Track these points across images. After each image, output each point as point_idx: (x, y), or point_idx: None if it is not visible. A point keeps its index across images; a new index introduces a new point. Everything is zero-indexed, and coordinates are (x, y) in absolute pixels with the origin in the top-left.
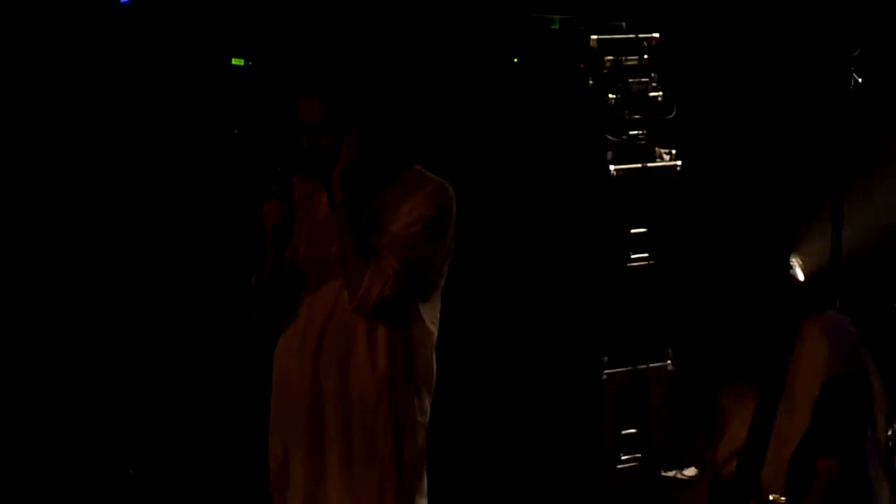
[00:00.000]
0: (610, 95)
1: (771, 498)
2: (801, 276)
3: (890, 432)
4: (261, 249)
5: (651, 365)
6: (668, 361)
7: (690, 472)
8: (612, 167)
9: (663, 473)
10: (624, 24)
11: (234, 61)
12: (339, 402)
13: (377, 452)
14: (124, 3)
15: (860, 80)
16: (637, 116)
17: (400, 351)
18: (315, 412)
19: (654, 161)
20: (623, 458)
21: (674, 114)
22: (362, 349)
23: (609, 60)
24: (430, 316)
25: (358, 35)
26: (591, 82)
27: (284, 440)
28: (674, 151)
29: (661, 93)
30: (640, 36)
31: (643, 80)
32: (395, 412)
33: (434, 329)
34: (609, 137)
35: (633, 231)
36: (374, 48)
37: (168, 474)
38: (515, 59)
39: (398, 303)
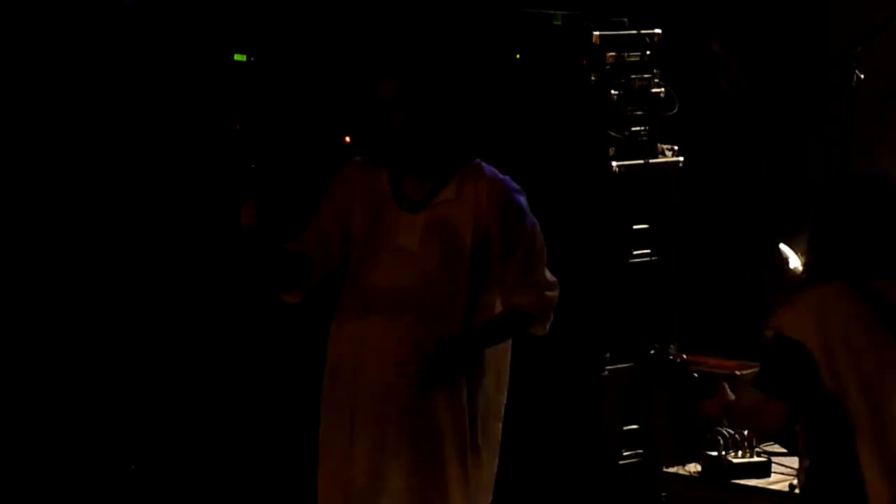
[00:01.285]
0: (612, 92)
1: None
2: (795, 265)
3: None
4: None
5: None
6: (670, 357)
7: (693, 467)
8: (614, 163)
9: (665, 469)
10: (626, 20)
11: (237, 57)
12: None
13: (446, 447)
14: (128, 0)
15: (862, 76)
16: (639, 113)
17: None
18: (377, 413)
19: (657, 157)
20: (625, 454)
21: (676, 110)
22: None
23: (611, 56)
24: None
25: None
26: (593, 78)
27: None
28: (676, 148)
29: (663, 89)
30: (643, 32)
31: (645, 76)
32: (469, 406)
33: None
34: (611, 134)
35: (635, 227)
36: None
37: (169, 470)
38: (518, 55)
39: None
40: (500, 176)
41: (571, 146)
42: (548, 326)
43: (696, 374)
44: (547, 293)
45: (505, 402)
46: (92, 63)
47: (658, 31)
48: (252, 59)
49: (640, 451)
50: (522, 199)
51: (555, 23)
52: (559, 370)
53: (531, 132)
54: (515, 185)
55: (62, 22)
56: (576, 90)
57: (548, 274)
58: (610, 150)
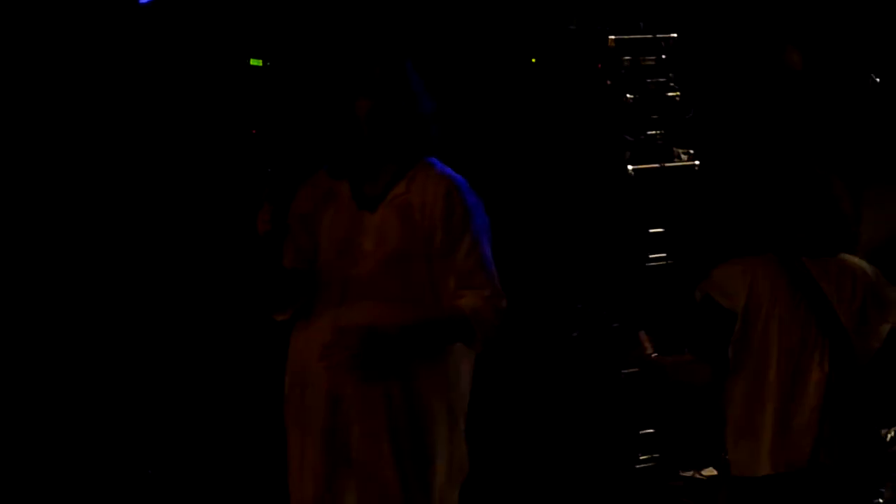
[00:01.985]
0: (628, 95)
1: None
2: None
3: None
4: (249, 250)
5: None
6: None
7: (708, 471)
8: (630, 167)
9: (681, 473)
10: (642, 24)
11: (253, 62)
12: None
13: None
14: (143, 3)
15: (878, 79)
16: (655, 116)
17: (437, 358)
18: (334, 415)
19: (672, 161)
20: (641, 458)
21: (692, 114)
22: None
23: (627, 60)
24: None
25: (369, 32)
26: (608, 82)
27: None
28: (692, 151)
29: (678, 92)
30: (658, 36)
31: (661, 79)
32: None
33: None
34: (627, 137)
35: (650, 231)
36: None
37: (184, 474)
38: (533, 59)
39: (504, 309)
40: (451, 172)
41: (587, 150)
42: (487, 342)
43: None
44: (489, 300)
45: (468, 397)
46: (107, 66)
47: (674, 34)
48: (268, 63)
49: (657, 454)
50: (470, 198)
51: (570, 27)
52: (576, 374)
53: (547, 136)
54: (464, 183)
55: (77, 24)
56: (591, 94)
57: (494, 281)
58: (626, 153)
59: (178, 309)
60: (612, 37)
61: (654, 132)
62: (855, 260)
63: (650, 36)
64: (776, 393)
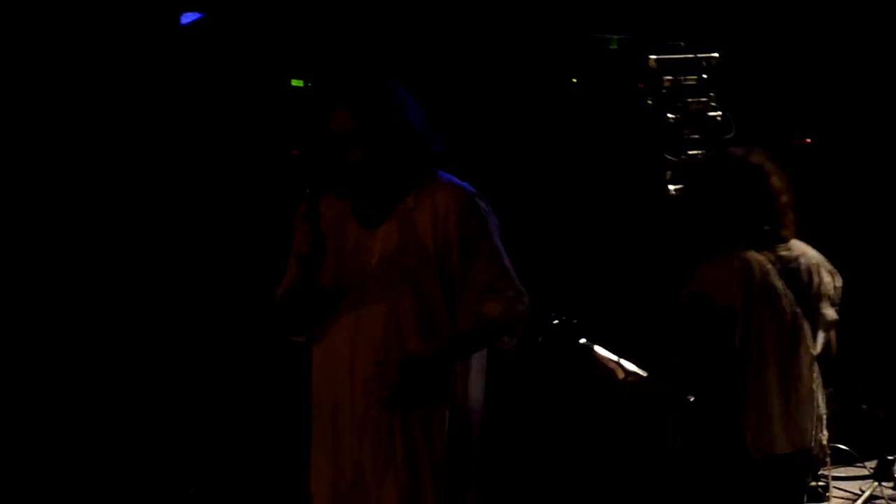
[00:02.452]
0: (669, 115)
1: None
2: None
3: None
4: (285, 267)
5: None
6: None
7: None
8: (671, 187)
9: None
10: (683, 43)
11: (294, 82)
12: (380, 424)
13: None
14: (184, 24)
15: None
16: (696, 136)
17: (447, 376)
18: (354, 432)
19: None
20: None
21: (733, 133)
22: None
23: (668, 80)
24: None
25: (400, 50)
26: (649, 102)
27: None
28: None
29: (720, 112)
30: (699, 56)
31: (702, 99)
32: (436, 432)
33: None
34: (668, 157)
35: None
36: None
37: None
38: (574, 80)
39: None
40: (459, 182)
41: (628, 170)
42: (515, 341)
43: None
44: (514, 302)
45: (480, 419)
46: (149, 87)
47: (715, 54)
48: (309, 84)
49: None
50: (482, 204)
51: (611, 47)
52: (618, 393)
53: (588, 156)
54: (474, 191)
55: (121, 46)
56: (632, 114)
57: (516, 282)
58: (667, 173)
59: (209, 328)
60: (653, 56)
61: (695, 152)
62: (805, 245)
63: (691, 56)
64: (778, 378)
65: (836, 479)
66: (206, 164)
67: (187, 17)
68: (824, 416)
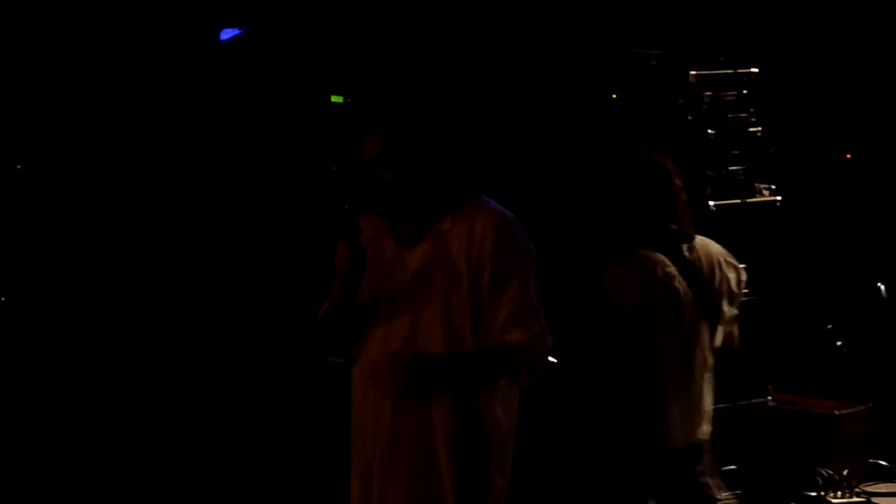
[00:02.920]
0: (709, 131)
1: None
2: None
3: None
4: (327, 286)
5: (751, 401)
6: (769, 397)
7: None
8: (711, 202)
9: None
10: (723, 59)
11: (334, 99)
12: (411, 443)
13: (445, 492)
14: (224, 40)
15: None
16: (736, 152)
17: (479, 395)
18: (390, 448)
19: (754, 196)
20: (723, 494)
21: (773, 149)
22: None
23: (708, 96)
24: None
25: (437, 72)
26: (690, 117)
27: (363, 479)
28: (773, 187)
29: (760, 128)
30: (739, 71)
31: (742, 115)
32: (469, 453)
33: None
34: (708, 173)
35: None
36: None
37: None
38: (614, 95)
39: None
40: (500, 208)
41: None
42: (533, 379)
43: None
44: (537, 338)
45: (514, 430)
46: (189, 103)
47: (755, 69)
48: (348, 100)
49: (739, 491)
50: (520, 234)
51: (651, 62)
52: None
53: (629, 171)
54: (514, 218)
55: (162, 63)
56: (672, 129)
57: (541, 320)
58: (707, 189)
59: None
60: (693, 72)
61: (735, 168)
62: (707, 242)
63: (731, 71)
64: (675, 378)
65: (875, 495)
66: (246, 180)
67: (227, 34)
68: (711, 411)
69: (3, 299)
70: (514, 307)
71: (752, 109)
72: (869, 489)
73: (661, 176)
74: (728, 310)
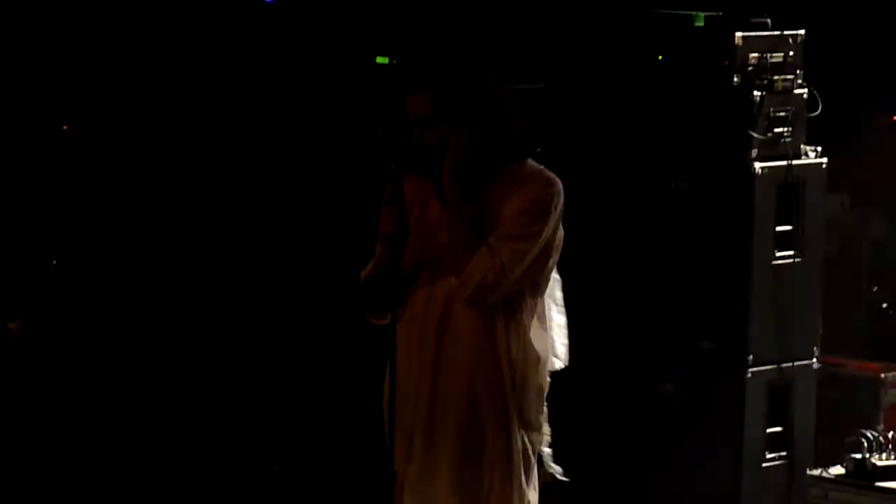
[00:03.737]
0: (755, 93)
1: None
2: None
3: None
4: (371, 249)
5: (796, 363)
6: (814, 359)
7: (836, 470)
8: (756, 165)
9: (809, 472)
10: (769, 20)
11: (379, 60)
12: (452, 399)
13: (486, 448)
14: (269, 2)
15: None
16: (782, 114)
17: (513, 346)
18: (431, 409)
19: (800, 158)
20: (768, 456)
21: (819, 111)
22: (478, 345)
23: (754, 57)
24: (541, 313)
25: (482, 31)
26: (735, 80)
27: (405, 436)
28: (819, 149)
29: (806, 90)
30: (785, 33)
31: (788, 77)
32: (505, 408)
33: (545, 326)
34: (753, 135)
35: (778, 229)
36: (494, 44)
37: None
38: (660, 57)
39: (499, 292)
40: (549, 174)
41: (714, 148)
42: (464, 294)
43: None
44: (492, 266)
45: (547, 386)
46: (234, 65)
47: (801, 31)
48: (394, 61)
49: (784, 453)
50: (557, 198)
51: (697, 24)
52: (703, 372)
53: (674, 133)
54: (559, 186)
55: (206, 24)
56: (718, 91)
57: (514, 264)
58: (752, 151)
59: (302, 304)
60: (739, 34)
61: (780, 130)
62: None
63: (777, 33)
64: None
65: None
66: (292, 142)
67: None
68: None
69: (54, 262)
70: (503, 232)
71: (797, 71)
72: None
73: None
74: None
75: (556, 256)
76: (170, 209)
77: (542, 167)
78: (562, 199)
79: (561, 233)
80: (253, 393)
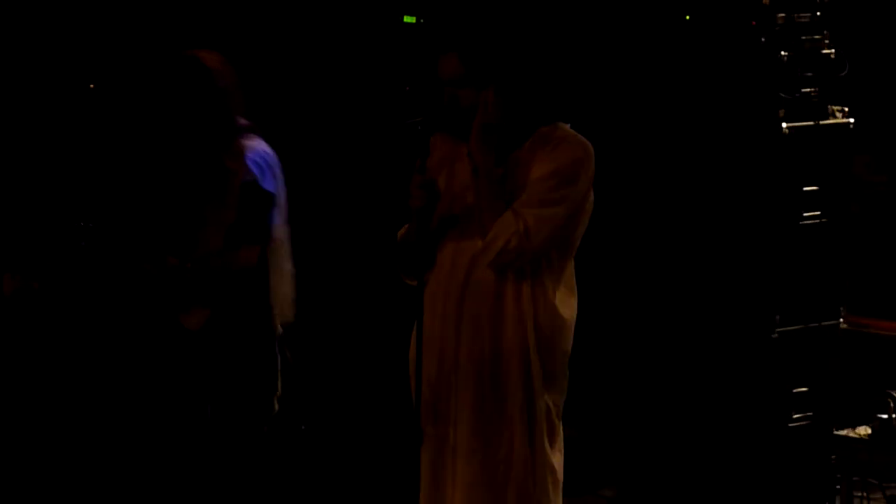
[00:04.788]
0: (782, 53)
1: None
2: None
3: None
4: (402, 208)
5: (823, 323)
6: (840, 319)
7: (863, 430)
8: (784, 125)
9: (835, 432)
10: None
11: (406, 19)
12: (476, 358)
13: (507, 408)
14: None
15: None
16: (809, 74)
17: (539, 309)
18: (455, 369)
19: (827, 119)
20: (794, 416)
21: (847, 71)
22: (502, 307)
23: (781, 17)
24: (569, 277)
25: None
26: (763, 40)
27: (431, 395)
28: (846, 109)
29: (833, 50)
30: None
31: (816, 37)
32: (528, 369)
33: (573, 291)
34: (781, 95)
35: (805, 189)
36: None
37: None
38: (687, 17)
39: (523, 258)
40: (580, 138)
41: (741, 108)
42: (487, 259)
43: None
44: (515, 235)
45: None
46: (262, 24)
47: None
48: (421, 20)
49: (810, 413)
50: (588, 163)
51: None
52: (729, 333)
53: (702, 93)
54: (590, 151)
55: None
56: (746, 51)
57: (538, 229)
58: (780, 111)
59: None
60: None
61: (808, 90)
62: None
63: None
64: None
65: None
66: (320, 102)
67: None
68: None
69: (90, 225)
70: (529, 197)
71: (825, 31)
72: None
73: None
74: None
75: (586, 221)
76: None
77: (573, 131)
78: (593, 164)
79: (591, 198)
80: (280, 352)
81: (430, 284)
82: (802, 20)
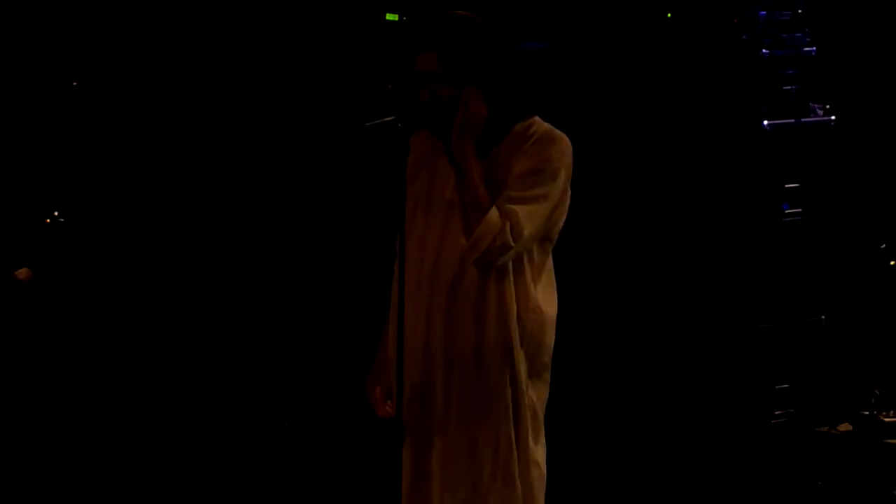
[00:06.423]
0: (764, 50)
1: None
2: None
3: None
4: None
5: (804, 319)
6: (822, 316)
7: (844, 427)
8: (765, 122)
9: (817, 428)
10: None
11: (388, 16)
12: (460, 356)
13: (493, 405)
14: None
15: None
16: (791, 71)
17: (521, 304)
18: (439, 366)
19: (808, 116)
20: (776, 413)
21: (828, 69)
22: (485, 304)
23: (763, 15)
24: (549, 272)
25: None
26: (744, 37)
27: (413, 392)
28: (827, 106)
29: (814, 47)
30: None
31: (797, 34)
32: (513, 365)
33: (553, 285)
34: (763, 92)
35: (786, 186)
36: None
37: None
38: (669, 14)
39: (508, 256)
40: (558, 132)
41: (723, 105)
42: (472, 256)
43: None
44: (501, 232)
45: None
46: (243, 20)
47: None
48: (403, 18)
49: (792, 410)
50: (566, 156)
51: None
52: (711, 329)
53: (683, 91)
54: (567, 144)
55: None
56: (727, 49)
57: (522, 225)
58: (761, 108)
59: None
60: None
61: (789, 87)
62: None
63: None
64: None
65: None
66: (300, 99)
67: None
68: None
69: (62, 220)
70: (512, 193)
71: (806, 29)
72: None
73: None
74: None
75: (564, 215)
76: (178, 161)
77: (550, 126)
78: (570, 158)
79: (569, 191)
80: (263, 349)
81: (412, 283)
82: (784, 18)
